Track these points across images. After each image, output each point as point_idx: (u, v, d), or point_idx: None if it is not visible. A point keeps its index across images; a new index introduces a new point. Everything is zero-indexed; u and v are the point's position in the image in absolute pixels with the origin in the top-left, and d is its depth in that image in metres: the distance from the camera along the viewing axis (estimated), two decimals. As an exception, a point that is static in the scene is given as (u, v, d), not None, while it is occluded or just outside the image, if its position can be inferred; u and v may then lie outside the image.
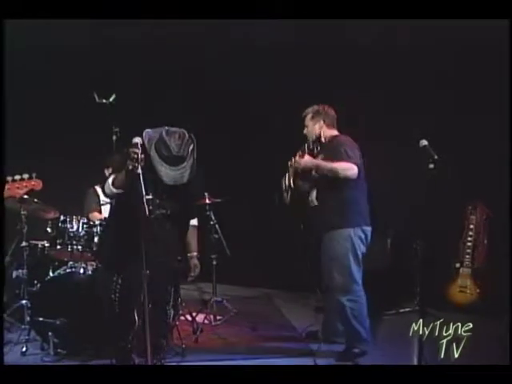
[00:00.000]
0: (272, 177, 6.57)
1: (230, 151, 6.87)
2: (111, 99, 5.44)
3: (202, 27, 6.07)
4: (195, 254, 4.82)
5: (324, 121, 4.80)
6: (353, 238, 4.61)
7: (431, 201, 3.84)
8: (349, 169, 4.50)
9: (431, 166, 3.81)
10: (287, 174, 4.94)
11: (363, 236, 4.67)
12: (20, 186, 3.86)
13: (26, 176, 3.87)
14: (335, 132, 4.82)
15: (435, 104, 5.99)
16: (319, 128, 4.80)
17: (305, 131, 4.88)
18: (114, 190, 4.07)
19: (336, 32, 5.90)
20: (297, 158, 4.76)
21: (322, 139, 4.78)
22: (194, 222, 4.44)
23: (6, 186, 3.83)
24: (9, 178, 3.86)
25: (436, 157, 3.81)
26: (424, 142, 3.94)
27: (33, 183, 3.89)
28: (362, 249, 4.67)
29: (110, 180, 4.10)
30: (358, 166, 4.52)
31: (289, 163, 4.84)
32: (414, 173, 5.23)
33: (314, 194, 4.81)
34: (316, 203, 4.76)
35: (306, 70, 6.45)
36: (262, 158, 6.73)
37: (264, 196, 6.66)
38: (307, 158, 4.70)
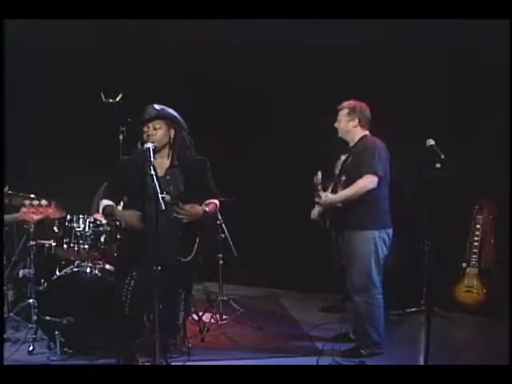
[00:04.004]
0: (280, 176, 6.63)
1: (237, 150, 6.87)
2: (118, 99, 5.45)
3: (203, 27, 6.07)
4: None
5: (359, 120, 4.71)
6: (377, 241, 4.59)
7: (438, 200, 3.83)
8: (368, 184, 4.52)
9: (438, 165, 3.79)
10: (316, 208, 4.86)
11: (386, 238, 4.65)
12: (36, 211, 3.75)
13: (44, 202, 3.75)
14: (365, 132, 4.74)
15: (438, 104, 5.97)
16: (353, 126, 4.72)
17: (336, 124, 4.78)
18: (102, 216, 4.15)
19: (337, 32, 5.89)
20: (321, 194, 4.66)
21: (351, 143, 4.75)
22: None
23: (23, 209, 3.74)
24: (26, 202, 3.74)
25: (443, 156, 3.79)
26: (431, 142, 3.92)
27: (50, 211, 3.77)
28: (384, 251, 4.65)
29: (101, 205, 4.07)
30: (378, 175, 4.52)
31: (315, 199, 4.75)
32: (421, 172, 5.24)
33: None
34: (340, 204, 4.69)
35: (307, 70, 6.44)
36: (270, 157, 6.74)
37: (271, 195, 6.70)
38: (329, 196, 4.65)
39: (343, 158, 4.82)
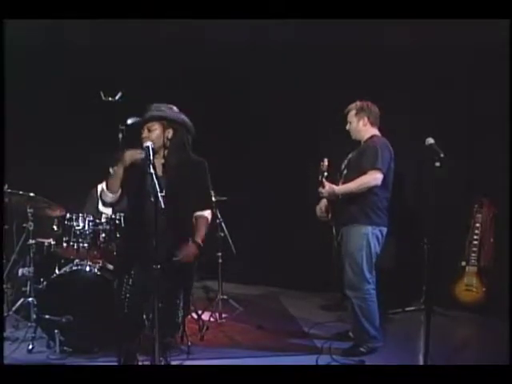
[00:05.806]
0: (280, 175, 6.63)
1: (237, 149, 6.87)
2: (117, 97, 5.44)
3: (203, 27, 6.07)
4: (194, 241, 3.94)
5: (368, 118, 4.78)
6: (369, 237, 4.62)
7: (437, 199, 3.83)
8: (372, 180, 4.56)
9: (437, 164, 3.79)
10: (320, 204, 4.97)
11: (380, 236, 4.69)
12: None
13: None
14: (375, 131, 4.80)
15: (438, 103, 5.97)
16: (363, 125, 4.78)
17: (347, 127, 4.86)
18: (110, 195, 3.98)
19: (337, 32, 5.89)
20: (322, 188, 4.66)
21: (362, 142, 4.80)
22: (205, 213, 4.17)
23: None
24: None
25: (442, 155, 3.79)
26: (430, 141, 3.92)
27: None
28: (376, 248, 4.68)
29: (103, 185, 3.99)
30: (382, 172, 4.56)
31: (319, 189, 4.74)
32: (421, 171, 5.23)
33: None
34: (340, 196, 4.72)
35: (307, 70, 6.44)
36: (270, 156, 6.74)
37: (270, 194, 6.70)
38: (333, 187, 4.66)
39: (350, 155, 4.87)
